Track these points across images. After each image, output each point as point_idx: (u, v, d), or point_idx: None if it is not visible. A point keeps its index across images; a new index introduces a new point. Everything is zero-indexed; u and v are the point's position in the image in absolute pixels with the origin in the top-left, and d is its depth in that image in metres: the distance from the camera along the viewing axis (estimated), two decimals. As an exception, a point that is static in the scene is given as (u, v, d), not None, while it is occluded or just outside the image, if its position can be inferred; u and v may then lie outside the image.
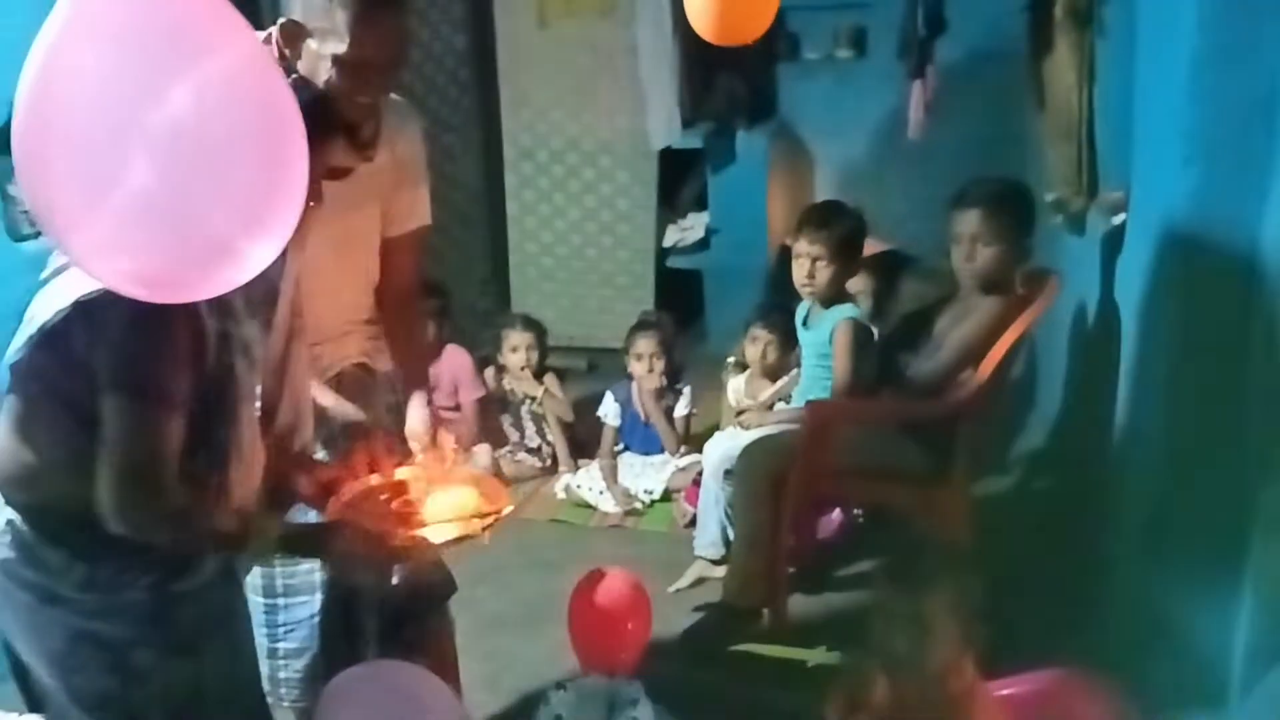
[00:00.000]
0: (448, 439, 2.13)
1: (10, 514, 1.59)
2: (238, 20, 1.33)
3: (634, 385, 3.92)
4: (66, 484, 1.55)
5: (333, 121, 1.69)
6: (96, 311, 1.46)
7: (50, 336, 1.50)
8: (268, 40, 1.92)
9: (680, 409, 3.90)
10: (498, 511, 1.84)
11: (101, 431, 1.49)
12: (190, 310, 1.49)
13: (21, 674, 1.73)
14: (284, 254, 1.75)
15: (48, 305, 1.51)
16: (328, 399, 2.16)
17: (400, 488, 1.92)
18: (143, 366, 1.48)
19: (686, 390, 3.92)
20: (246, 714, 1.79)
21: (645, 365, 3.88)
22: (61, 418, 1.54)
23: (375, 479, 1.90)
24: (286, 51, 1.90)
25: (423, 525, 1.82)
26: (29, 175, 1.28)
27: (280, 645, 2.28)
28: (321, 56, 1.86)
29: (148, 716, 1.65)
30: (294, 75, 1.78)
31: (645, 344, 3.89)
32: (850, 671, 1.83)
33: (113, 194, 1.23)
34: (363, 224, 2.14)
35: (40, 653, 1.64)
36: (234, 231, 1.32)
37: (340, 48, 1.83)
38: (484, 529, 1.80)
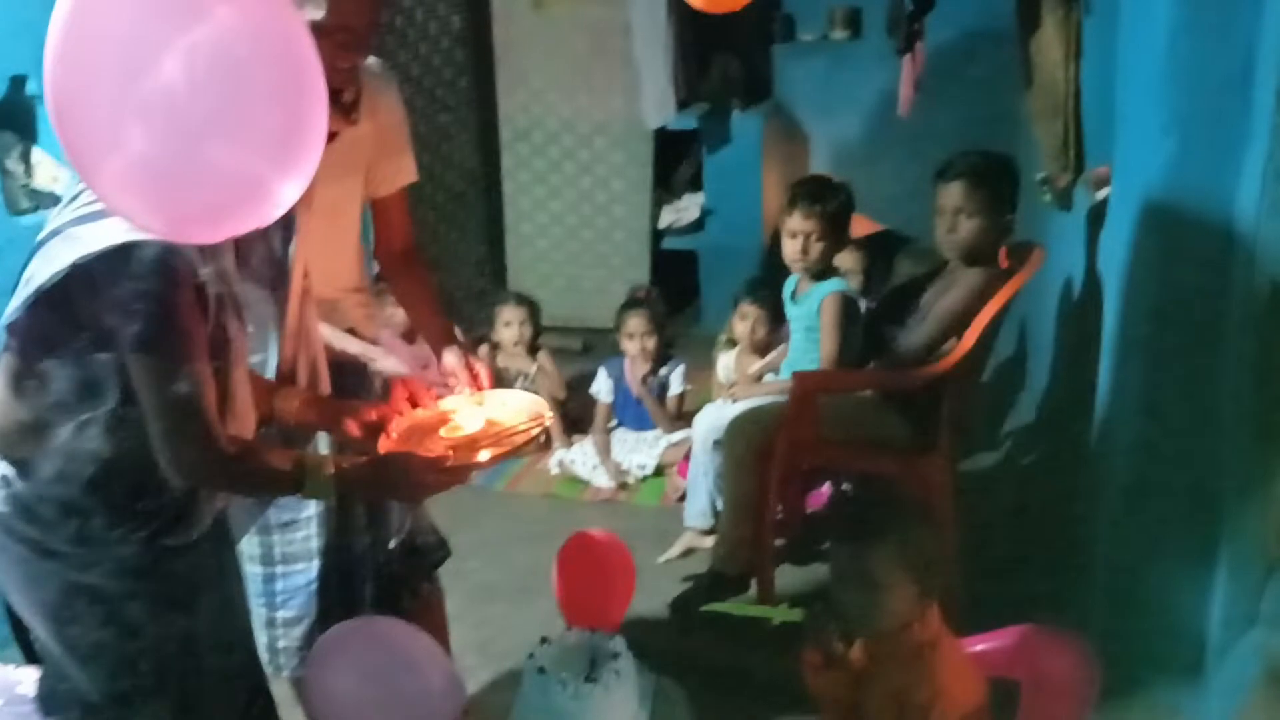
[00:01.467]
0: (481, 366, 2.16)
1: (4, 469, 1.63)
2: None
3: (626, 362, 3.96)
4: (60, 439, 1.59)
5: None
6: (96, 274, 1.49)
7: (48, 297, 1.53)
8: None
9: (674, 387, 3.94)
10: (540, 423, 1.89)
11: (115, 393, 1.54)
12: (189, 270, 1.52)
13: (20, 629, 1.77)
14: (291, 217, 1.80)
15: (45, 266, 1.54)
16: (354, 346, 2.22)
17: (444, 417, 1.94)
18: (160, 324, 1.51)
19: (679, 369, 3.96)
20: (240, 669, 1.82)
21: (637, 344, 3.92)
22: (58, 376, 1.57)
23: (420, 412, 1.92)
24: None
25: (473, 445, 1.85)
26: (63, 113, 1.31)
27: (278, 614, 2.30)
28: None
29: (141, 668, 1.68)
30: None
31: (636, 322, 3.93)
32: (814, 628, 1.87)
33: (139, 129, 1.27)
34: (347, 191, 2.17)
35: (35, 605, 1.67)
36: (261, 168, 1.35)
37: (319, 13, 1.84)
38: (527, 442, 1.85)
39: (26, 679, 1.83)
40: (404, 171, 2.27)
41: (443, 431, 1.89)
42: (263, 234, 1.72)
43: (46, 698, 1.74)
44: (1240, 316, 2.32)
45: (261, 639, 2.23)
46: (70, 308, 1.53)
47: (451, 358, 2.17)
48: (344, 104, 1.82)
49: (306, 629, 2.26)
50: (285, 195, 1.40)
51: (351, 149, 1.99)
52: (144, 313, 1.50)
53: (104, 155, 1.31)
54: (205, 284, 1.55)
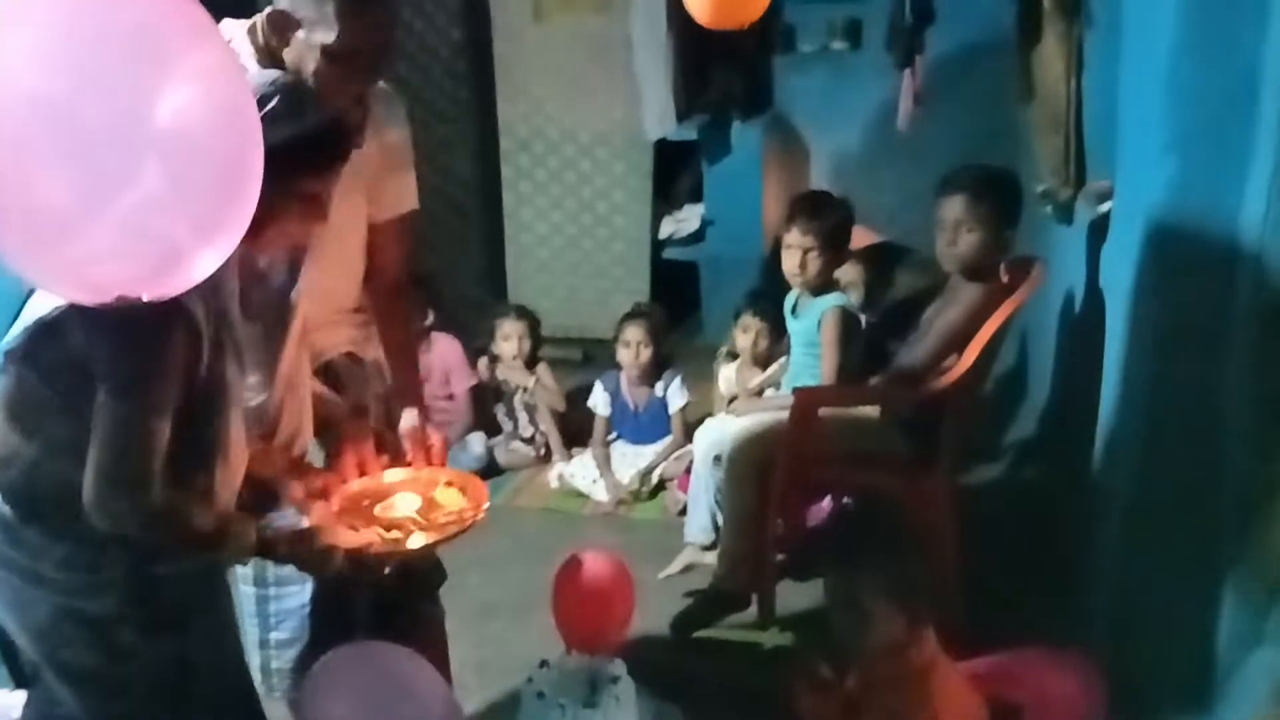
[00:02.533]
0: (436, 437, 2.15)
1: None
2: (207, 23, 1.34)
3: (622, 375, 3.95)
4: (50, 467, 1.59)
5: (325, 139, 1.69)
6: (94, 310, 1.47)
7: (47, 328, 1.53)
8: (252, 30, 1.93)
9: (675, 402, 3.92)
10: (476, 513, 1.87)
11: (91, 426, 1.52)
12: (187, 316, 1.52)
13: (9, 652, 1.76)
14: (296, 268, 1.79)
15: (48, 298, 1.54)
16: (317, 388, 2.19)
17: (386, 491, 1.93)
18: (135, 368, 1.51)
19: (676, 380, 3.94)
20: (233, 692, 1.81)
21: (632, 353, 3.90)
22: (52, 406, 1.58)
23: (361, 483, 1.91)
24: (272, 41, 1.91)
25: (404, 531, 1.84)
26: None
27: (271, 635, 2.29)
28: (310, 47, 1.86)
29: (133, 692, 1.67)
30: (280, 76, 1.77)
31: (634, 332, 3.91)
32: (802, 655, 1.85)
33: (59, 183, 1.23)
34: (351, 212, 2.15)
35: (26, 629, 1.66)
36: (187, 237, 1.31)
37: (329, 38, 1.84)
38: (460, 532, 1.84)
39: (16, 703, 1.82)
40: (405, 196, 2.24)
41: (377, 509, 1.87)
42: (266, 274, 1.72)
43: None
44: (1244, 335, 2.30)
45: (255, 660, 2.21)
46: (64, 339, 1.53)
47: (409, 421, 2.14)
48: (350, 127, 1.81)
49: (300, 651, 2.24)
50: (202, 268, 1.35)
51: (356, 168, 1.98)
52: (124, 355, 1.49)
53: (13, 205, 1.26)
54: (201, 330, 1.55)
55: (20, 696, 1.79)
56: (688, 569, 3.21)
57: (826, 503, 3.50)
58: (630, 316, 4.01)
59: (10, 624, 1.69)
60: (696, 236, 5.12)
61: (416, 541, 1.80)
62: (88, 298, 1.40)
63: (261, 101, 1.57)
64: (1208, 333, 2.35)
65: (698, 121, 4.92)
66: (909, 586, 1.73)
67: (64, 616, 1.63)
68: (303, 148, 1.61)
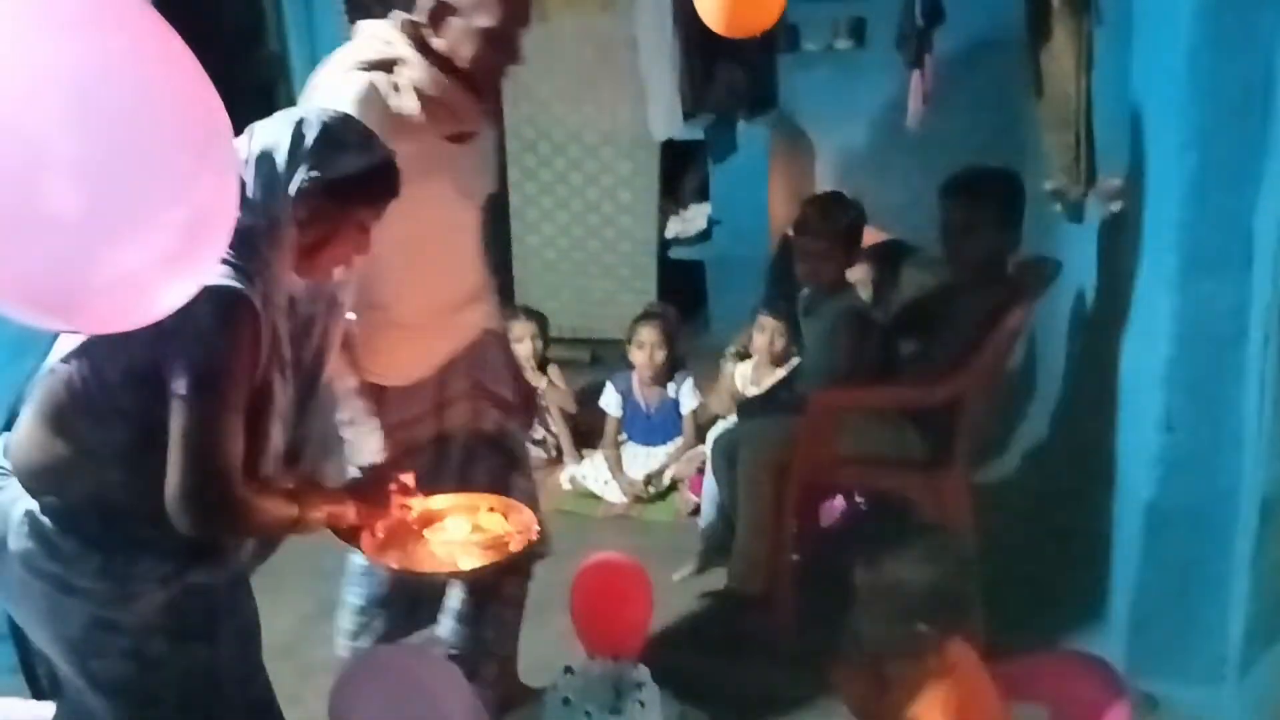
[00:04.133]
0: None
1: (29, 504, 1.62)
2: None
3: (634, 375, 3.95)
4: (95, 477, 1.60)
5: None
6: (168, 320, 1.47)
7: (110, 338, 1.52)
8: (404, 24, 2.02)
9: (686, 403, 3.92)
10: (526, 535, 1.92)
11: (166, 432, 1.54)
12: (255, 318, 1.55)
13: (27, 664, 1.77)
14: (334, 302, 1.81)
15: None
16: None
17: (432, 518, 1.96)
18: (212, 368, 1.54)
19: (688, 382, 3.93)
20: (258, 700, 1.82)
21: (646, 354, 3.90)
22: (108, 416, 1.59)
23: (406, 511, 1.93)
24: (426, 31, 2.00)
25: (451, 557, 1.88)
26: None
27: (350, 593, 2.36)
28: (469, 31, 1.99)
29: (164, 700, 1.69)
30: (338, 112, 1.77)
31: (648, 333, 3.91)
32: (826, 652, 1.86)
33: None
34: (481, 188, 2.26)
35: (58, 639, 1.67)
36: (150, 269, 1.24)
37: (490, 20, 1.97)
38: (514, 554, 1.89)
39: (43, 713, 1.82)
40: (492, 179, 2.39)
41: (428, 533, 1.91)
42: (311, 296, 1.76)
43: None
44: (1262, 331, 2.30)
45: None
46: (128, 345, 1.52)
47: None
48: (489, 105, 2.00)
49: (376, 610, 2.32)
50: (170, 300, 1.31)
51: (484, 144, 2.14)
52: (202, 359, 1.52)
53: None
54: (262, 335, 1.57)
55: (50, 707, 1.79)
56: (702, 570, 3.21)
57: (839, 502, 3.50)
58: (644, 317, 4.01)
59: (41, 635, 1.69)
60: (703, 236, 5.12)
61: (467, 564, 1.86)
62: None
63: (324, 134, 1.63)
64: (1228, 329, 2.36)
65: (703, 121, 4.91)
66: (936, 587, 1.73)
67: (97, 626, 1.64)
68: (361, 181, 1.66)
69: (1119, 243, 2.84)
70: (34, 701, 1.85)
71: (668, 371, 3.93)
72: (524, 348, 4.13)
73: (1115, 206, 2.89)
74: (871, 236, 4.13)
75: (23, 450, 1.64)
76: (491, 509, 2.00)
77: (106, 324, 1.37)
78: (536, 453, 4.11)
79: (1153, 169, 2.48)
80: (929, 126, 4.02)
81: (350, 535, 1.85)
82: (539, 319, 4.23)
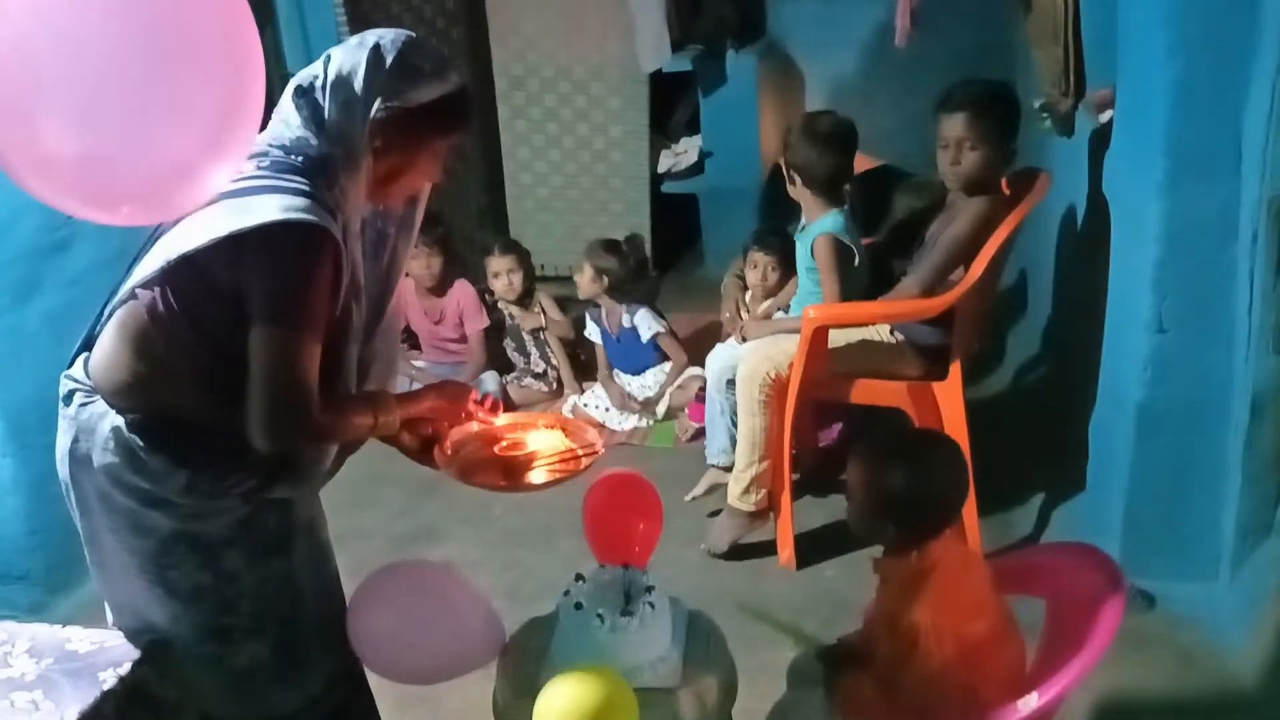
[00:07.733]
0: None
1: (116, 421, 1.66)
2: None
3: (602, 306, 4.02)
4: (178, 395, 1.64)
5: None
6: (249, 245, 1.52)
7: (191, 263, 1.55)
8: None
9: (644, 330, 3.93)
10: (590, 448, 1.95)
11: (246, 358, 1.56)
12: (335, 244, 1.57)
13: None
14: (408, 221, 1.84)
15: (190, 234, 1.55)
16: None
17: (498, 434, 1.98)
18: (296, 301, 1.56)
19: (641, 312, 3.93)
20: (335, 614, 1.86)
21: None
22: (187, 336, 1.62)
23: (475, 426, 1.95)
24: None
25: (527, 466, 1.92)
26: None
27: None
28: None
29: (242, 608, 1.75)
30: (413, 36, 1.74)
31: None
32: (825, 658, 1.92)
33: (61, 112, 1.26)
34: None
35: (137, 551, 1.72)
36: (194, 152, 1.33)
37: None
38: (583, 467, 1.92)
39: (75, 637, 1.87)
40: None
41: (498, 448, 1.95)
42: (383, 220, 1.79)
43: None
44: (1251, 230, 2.34)
45: None
46: (210, 273, 1.56)
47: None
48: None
49: None
50: (215, 180, 1.37)
51: None
52: (284, 288, 1.55)
53: (26, 134, 1.29)
54: (343, 261, 1.59)
55: (80, 631, 1.85)
56: (711, 490, 3.26)
57: (836, 428, 3.56)
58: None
59: (122, 545, 1.74)
60: (695, 169, 5.11)
61: (539, 477, 1.91)
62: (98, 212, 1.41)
63: (400, 59, 1.62)
64: (1217, 230, 2.39)
65: (692, 52, 4.89)
66: (928, 482, 1.75)
67: (178, 540, 1.70)
68: (436, 110, 1.66)
69: (1111, 152, 2.86)
70: (59, 627, 1.91)
71: (620, 300, 3.96)
72: (501, 283, 4.15)
73: (1105, 117, 2.91)
74: (863, 164, 4.14)
75: (106, 370, 1.67)
76: (550, 426, 2.04)
77: (152, 212, 1.42)
78: (538, 386, 4.16)
79: (1139, 74, 2.49)
80: (917, 47, 4.00)
81: (421, 453, 1.88)
82: (517, 250, 4.21)
